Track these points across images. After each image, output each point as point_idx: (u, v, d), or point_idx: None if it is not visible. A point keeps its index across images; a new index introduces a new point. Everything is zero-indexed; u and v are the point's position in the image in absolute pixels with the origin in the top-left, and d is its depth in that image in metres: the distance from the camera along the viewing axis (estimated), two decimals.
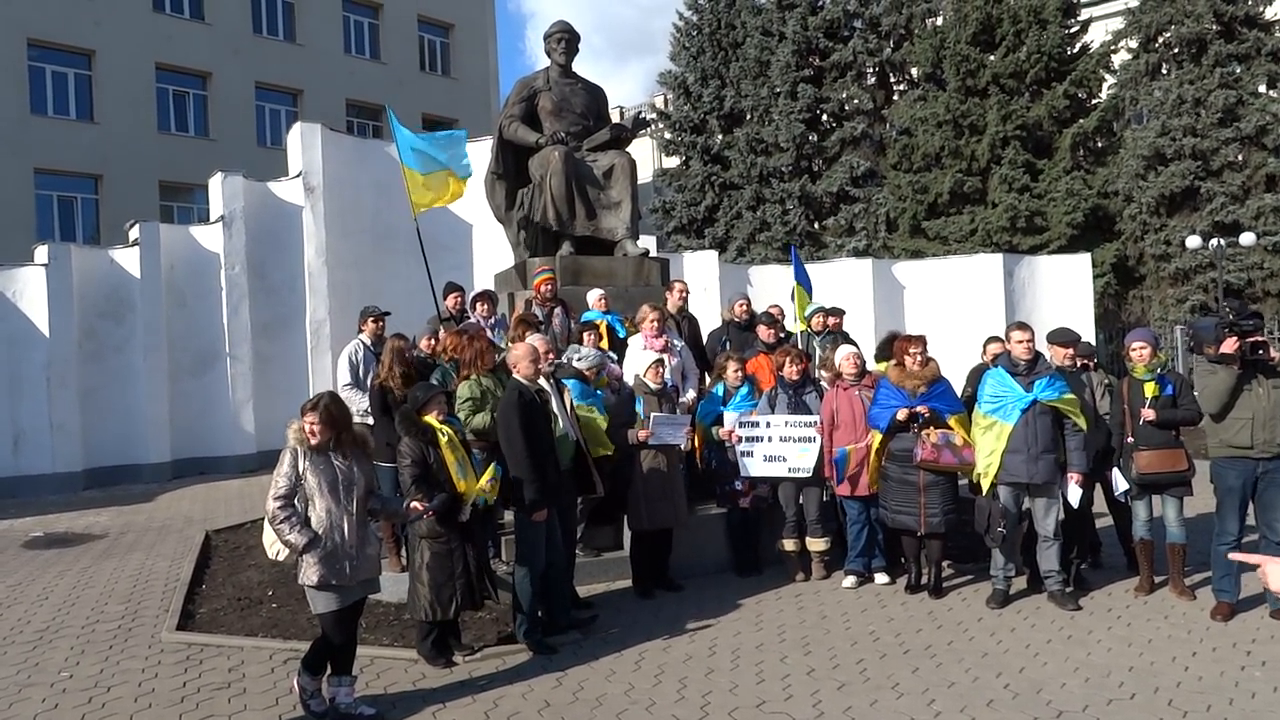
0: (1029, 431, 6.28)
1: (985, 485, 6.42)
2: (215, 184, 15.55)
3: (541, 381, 6.12)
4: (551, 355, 6.36)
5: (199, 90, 26.25)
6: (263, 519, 5.02)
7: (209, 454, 15.01)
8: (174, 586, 7.72)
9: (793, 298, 10.18)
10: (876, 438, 6.82)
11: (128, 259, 14.62)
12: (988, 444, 6.40)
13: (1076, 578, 6.94)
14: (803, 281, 10.18)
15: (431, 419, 5.54)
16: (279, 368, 15.47)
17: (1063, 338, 7.01)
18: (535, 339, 6.35)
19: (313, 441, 4.72)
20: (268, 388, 15.23)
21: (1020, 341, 6.43)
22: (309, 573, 4.64)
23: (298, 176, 15.91)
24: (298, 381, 15.51)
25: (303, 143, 15.96)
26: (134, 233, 14.84)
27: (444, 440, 5.49)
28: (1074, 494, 6.38)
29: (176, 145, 25.41)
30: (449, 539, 5.46)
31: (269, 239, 15.65)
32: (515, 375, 5.99)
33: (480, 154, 10.45)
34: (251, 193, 15.59)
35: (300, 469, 4.69)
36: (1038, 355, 6.50)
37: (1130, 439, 6.54)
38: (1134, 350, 6.60)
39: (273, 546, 4.83)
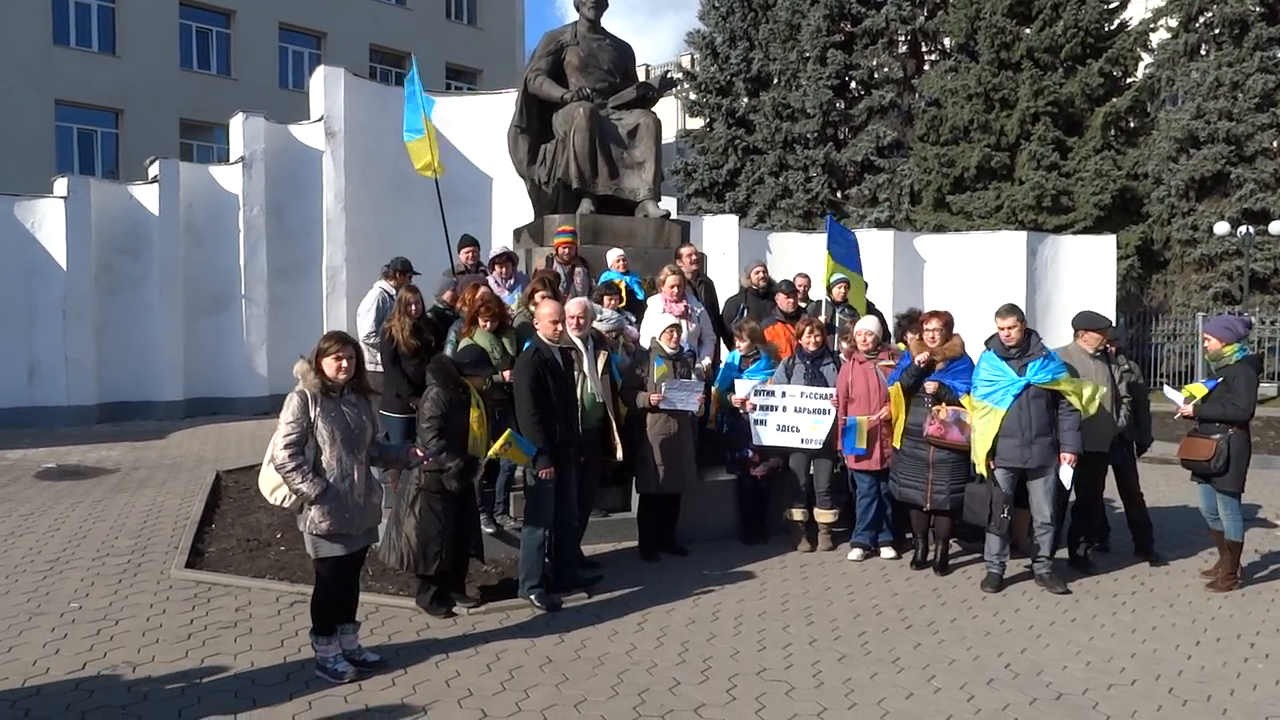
0: (1023, 415, 6.21)
1: (983, 470, 6.37)
2: (236, 124, 15.52)
3: (577, 341, 6.13)
4: (584, 320, 6.27)
5: (222, 28, 26.07)
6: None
7: (221, 394, 15.13)
8: (184, 524, 7.80)
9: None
10: (895, 392, 6.79)
11: (146, 195, 14.63)
12: (981, 430, 6.34)
13: (1082, 561, 6.95)
14: (841, 257, 9.44)
15: (473, 384, 5.55)
16: (294, 312, 15.52)
17: (1089, 323, 6.89)
18: (573, 304, 6.28)
19: (341, 378, 4.59)
20: (282, 332, 15.28)
21: (1005, 328, 6.33)
22: (319, 522, 4.56)
23: (319, 121, 15.84)
24: (312, 327, 15.52)
25: (325, 87, 15.87)
26: (153, 169, 14.85)
27: (475, 413, 5.49)
28: (1065, 474, 6.29)
29: (198, 83, 25.29)
30: (447, 496, 5.46)
31: (288, 182, 15.64)
32: (538, 334, 6.00)
33: (504, 106, 10.41)
34: (272, 135, 15.55)
35: (312, 415, 4.55)
36: (1030, 336, 6.40)
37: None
38: (1204, 341, 6.57)
39: (275, 493, 4.65)
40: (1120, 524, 7.60)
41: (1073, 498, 6.78)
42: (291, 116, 16.96)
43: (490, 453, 5.52)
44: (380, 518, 5.00)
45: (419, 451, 5.07)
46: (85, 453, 11.52)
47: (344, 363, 4.61)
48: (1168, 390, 6.74)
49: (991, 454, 6.32)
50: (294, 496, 4.59)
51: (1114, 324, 6.89)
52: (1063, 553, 6.95)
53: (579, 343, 6.21)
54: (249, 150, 15.28)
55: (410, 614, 5.69)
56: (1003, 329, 6.34)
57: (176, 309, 14.68)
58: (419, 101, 9.80)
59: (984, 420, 6.33)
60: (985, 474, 6.36)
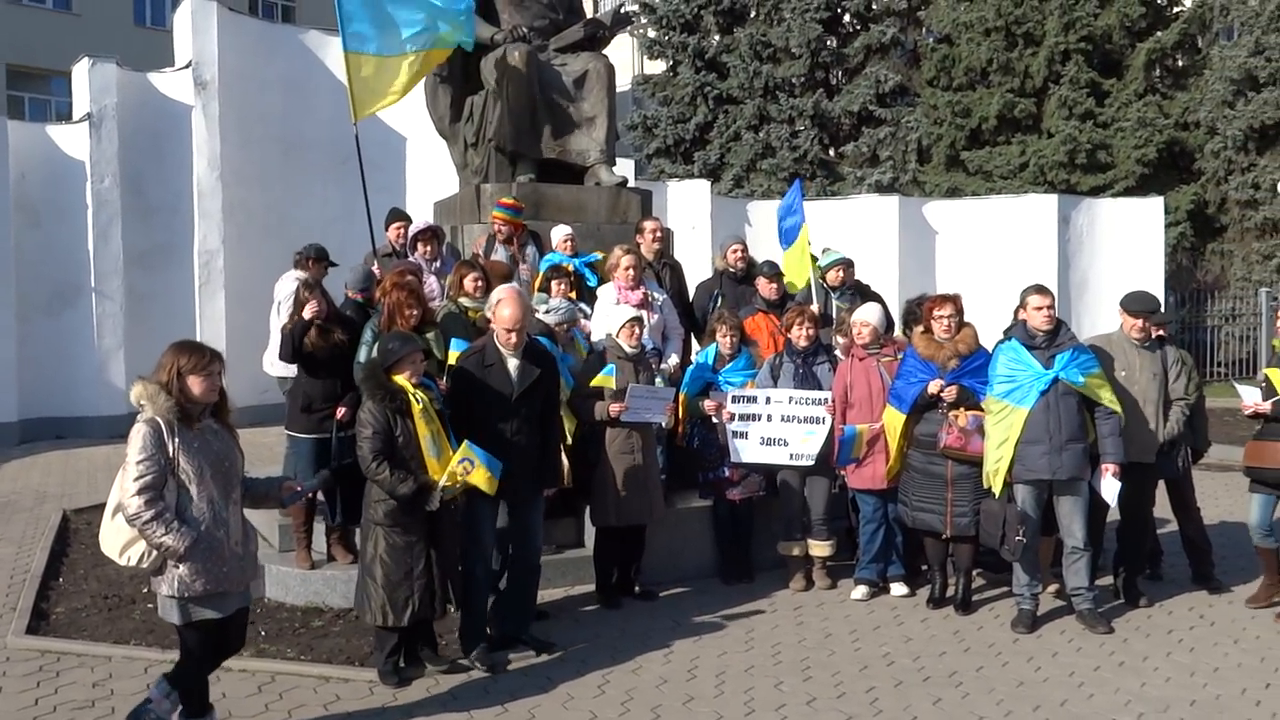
0: (1050, 417, 6.29)
1: (997, 485, 6.45)
2: (80, 72, 15.22)
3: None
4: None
5: None
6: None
7: (67, 413, 14.86)
8: (22, 579, 7.68)
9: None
10: (896, 418, 6.87)
11: None
12: (999, 434, 6.41)
13: (1133, 592, 7.08)
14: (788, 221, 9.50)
15: (404, 380, 5.50)
16: (159, 308, 15.30)
17: (1139, 305, 6.92)
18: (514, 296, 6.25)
19: (212, 399, 4.51)
20: (144, 332, 15.01)
21: (1040, 309, 6.43)
22: (190, 582, 4.40)
23: (186, 67, 15.61)
24: (182, 325, 15.27)
25: (193, 25, 15.64)
26: None
27: (418, 408, 5.46)
28: (1109, 489, 6.42)
29: (29, 20, 24.85)
30: (410, 529, 5.46)
31: (149, 146, 15.40)
32: (494, 336, 5.93)
33: None
34: (127, 85, 15.30)
35: (170, 449, 4.38)
36: (1060, 324, 6.52)
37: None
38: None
39: (127, 552, 4.46)
40: (1174, 545, 7.75)
41: (1115, 517, 6.90)
42: (151, 62, 16.73)
43: (445, 476, 5.43)
44: (257, 570, 4.93)
45: (294, 485, 4.99)
46: None
47: (215, 380, 4.53)
48: (1240, 387, 6.87)
49: (1010, 465, 6.40)
50: (154, 554, 4.40)
51: (1161, 305, 6.97)
52: (1106, 578, 7.10)
53: None
54: (97, 105, 14.98)
55: (315, 682, 5.66)
56: (1040, 309, 6.43)
57: (7, 307, 14.35)
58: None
59: (1002, 422, 6.40)
60: (997, 488, 6.43)
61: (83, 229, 14.96)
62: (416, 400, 5.48)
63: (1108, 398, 6.41)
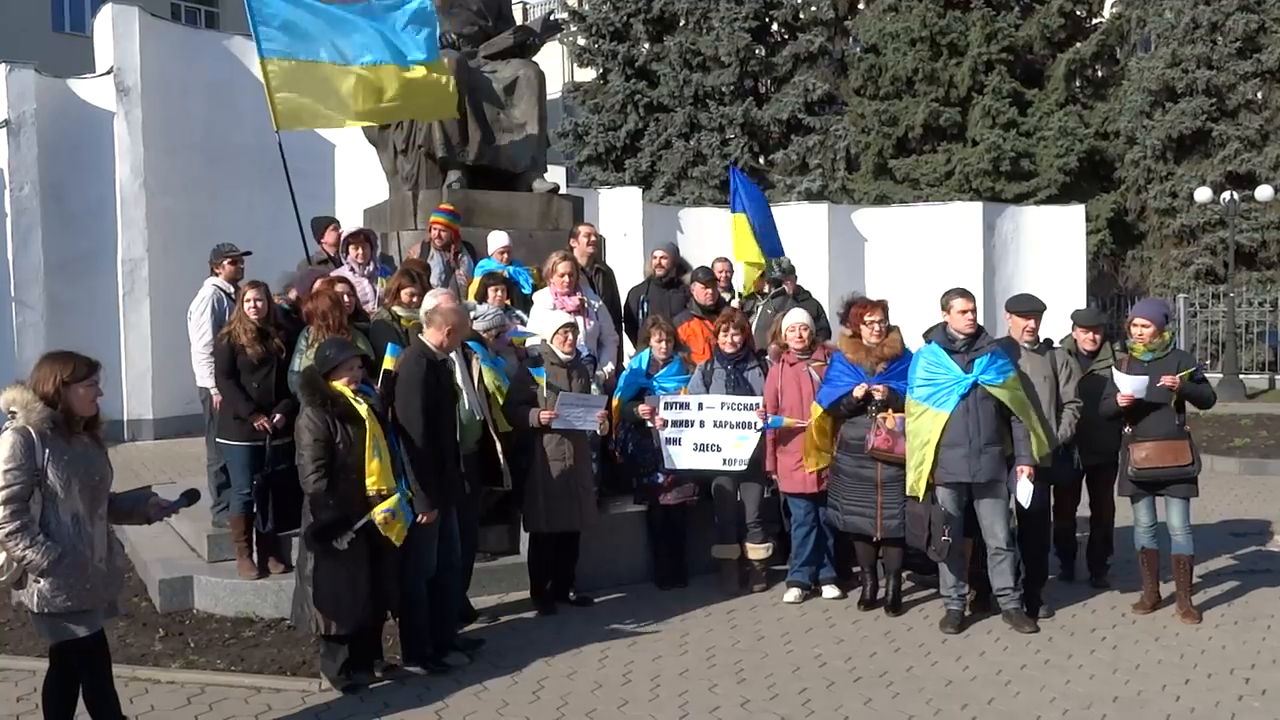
0: (969, 421, 6.36)
1: (920, 487, 6.49)
2: None
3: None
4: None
5: None
6: None
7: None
8: None
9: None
10: (816, 410, 6.94)
11: None
12: (920, 436, 6.47)
13: (1033, 599, 6.98)
14: (751, 213, 9.69)
15: (342, 386, 5.46)
16: (82, 317, 15.01)
17: (1026, 306, 7.04)
18: (441, 294, 6.26)
19: (92, 412, 4.40)
20: (66, 342, 14.29)
21: (963, 312, 6.49)
22: (50, 597, 4.28)
23: (108, 73, 15.37)
24: (105, 336, 15.04)
25: (114, 30, 15.40)
26: None
27: (363, 410, 5.43)
28: (1024, 491, 6.48)
29: None
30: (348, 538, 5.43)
31: (69, 153, 15.13)
32: (425, 338, 5.92)
33: None
34: (46, 91, 15.01)
35: (39, 460, 4.26)
36: (979, 329, 6.60)
37: (1127, 429, 6.77)
38: (1135, 327, 6.83)
39: None
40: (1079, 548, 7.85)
41: (1013, 523, 6.94)
42: (71, 68, 16.42)
43: (372, 513, 5.40)
44: (123, 585, 4.84)
45: (158, 502, 4.87)
46: None
47: (97, 390, 4.44)
48: (1119, 377, 6.69)
49: (933, 468, 6.47)
50: (14, 566, 4.28)
51: (1046, 307, 7.09)
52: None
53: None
54: (15, 111, 14.68)
55: (246, 693, 5.59)
56: (964, 313, 6.49)
57: None
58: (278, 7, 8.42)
59: (921, 424, 6.46)
60: (920, 490, 6.48)
61: (2, 238, 14.64)
62: (359, 404, 5.45)
63: (1016, 407, 6.46)
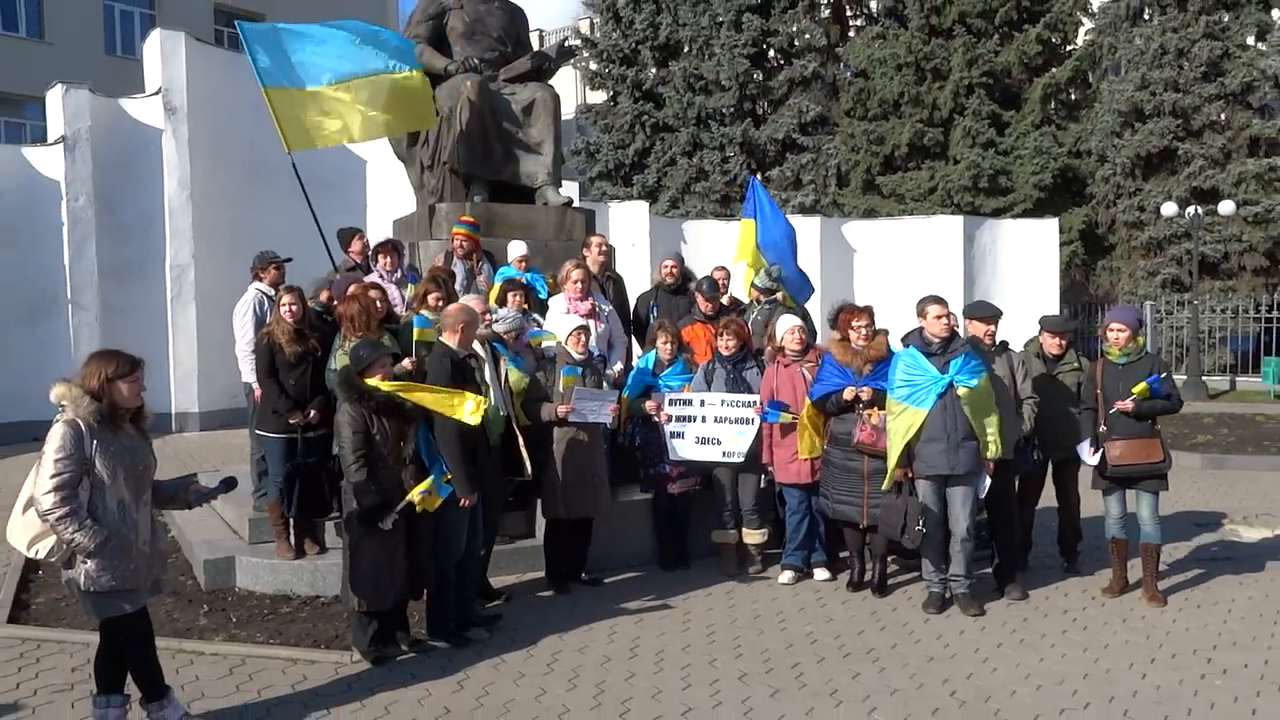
0: (947, 417, 6.37)
1: (890, 478, 6.51)
2: (54, 97, 14.98)
3: (476, 346, 6.18)
4: (488, 316, 6.39)
5: None
6: None
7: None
8: (3, 572, 7.53)
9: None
10: (814, 415, 6.96)
11: None
12: (899, 434, 6.47)
13: (1004, 579, 7.03)
14: (761, 225, 9.58)
15: (377, 382, 5.49)
16: (132, 319, 15.09)
17: (983, 311, 7.11)
18: (471, 299, 6.33)
19: (137, 404, 4.45)
20: (118, 343, 14.47)
21: (940, 317, 6.50)
22: (96, 577, 4.32)
23: (157, 94, 15.46)
24: (155, 336, 15.14)
25: (163, 53, 15.49)
26: None
27: (408, 399, 5.47)
28: (982, 484, 6.53)
29: (3, 48, 24.26)
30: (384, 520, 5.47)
31: (121, 167, 15.21)
32: (444, 340, 5.98)
33: None
34: (100, 110, 15.10)
35: (88, 450, 4.30)
36: (954, 333, 6.60)
37: (1103, 427, 6.76)
38: (1111, 332, 6.84)
39: (35, 545, 4.38)
40: (1049, 538, 7.86)
41: (982, 514, 6.99)
42: (122, 89, 16.47)
43: (415, 495, 5.48)
44: (165, 566, 4.87)
45: (199, 487, 4.91)
46: None
47: (141, 385, 4.46)
48: (1083, 448, 6.93)
49: (900, 460, 6.49)
50: (63, 548, 4.32)
51: (1002, 312, 7.16)
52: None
53: (478, 347, 6.24)
54: (71, 129, 14.77)
55: (284, 664, 5.62)
56: (940, 318, 6.50)
57: None
58: (276, 40, 8.47)
59: (900, 421, 6.46)
60: (889, 480, 6.51)
61: (58, 245, 14.75)
62: (395, 397, 5.48)
63: (981, 406, 6.45)
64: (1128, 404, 6.61)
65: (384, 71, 8.51)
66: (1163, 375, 6.69)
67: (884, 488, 6.58)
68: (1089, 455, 6.90)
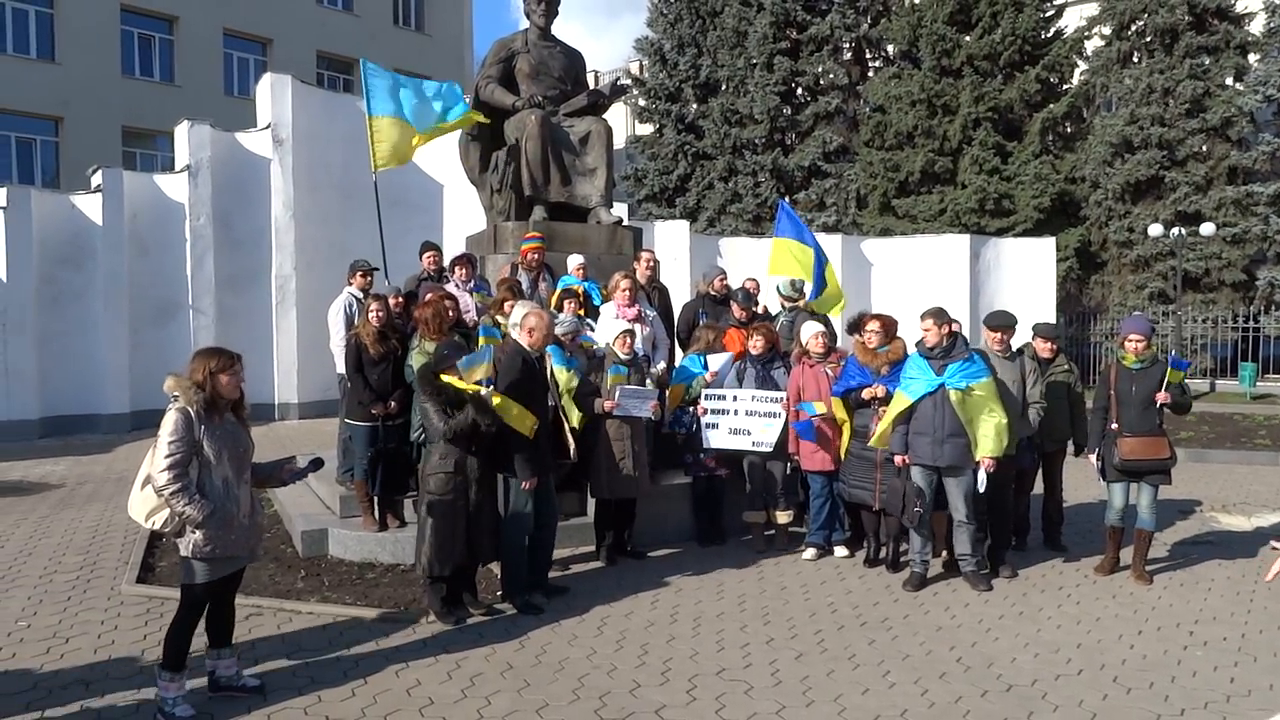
0: (936, 415, 6.30)
1: (875, 443, 6.53)
2: (181, 132, 15.25)
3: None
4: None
5: (165, 34, 25.59)
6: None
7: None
8: (133, 539, 7.65)
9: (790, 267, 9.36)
10: (838, 408, 6.90)
11: (89, 205, 14.31)
12: (891, 410, 6.47)
13: (997, 560, 6.88)
14: (801, 238, 9.40)
15: (450, 378, 5.49)
16: (243, 322, 15.31)
17: (997, 321, 6.97)
18: (529, 305, 6.34)
19: (237, 395, 4.46)
20: (231, 342, 14.79)
21: (927, 330, 6.44)
22: (203, 545, 4.37)
23: (266, 128, 15.66)
24: (262, 337, 15.38)
25: (272, 94, 15.70)
26: (96, 178, 14.52)
27: (485, 391, 5.46)
28: (980, 479, 6.38)
29: (140, 90, 24.79)
30: (454, 493, 5.49)
31: (235, 190, 15.43)
32: (519, 338, 5.97)
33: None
34: (219, 143, 15.33)
35: (196, 434, 4.33)
36: (956, 339, 6.47)
37: (1114, 425, 6.60)
38: (1130, 341, 6.64)
39: (153, 517, 4.40)
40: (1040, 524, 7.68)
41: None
42: (238, 124, 16.73)
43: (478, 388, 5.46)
44: (262, 537, 4.87)
45: (293, 467, 4.88)
46: (28, 468, 11.23)
47: (239, 378, 4.50)
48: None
49: (888, 429, 6.47)
50: (176, 520, 4.36)
51: (1051, 322, 7.02)
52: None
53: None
54: (195, 158, 15.03)
55: (370, 625, 5.64)
56: (927, 330, 6.46)
57: (121, 320, 14.36)
58: (384, 83, 9.11)
59: (894, 403, 6.46)
60: (873, 440, 6.53)
61: (182, 258, 15.00)
62: (469, 392, 5.48)
63: (979, 407, 6.30)
64: (1165, 396, 6.50)
65: (446, 120, 9.31)
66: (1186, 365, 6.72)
67: (871, 443, 6.57)
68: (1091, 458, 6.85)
